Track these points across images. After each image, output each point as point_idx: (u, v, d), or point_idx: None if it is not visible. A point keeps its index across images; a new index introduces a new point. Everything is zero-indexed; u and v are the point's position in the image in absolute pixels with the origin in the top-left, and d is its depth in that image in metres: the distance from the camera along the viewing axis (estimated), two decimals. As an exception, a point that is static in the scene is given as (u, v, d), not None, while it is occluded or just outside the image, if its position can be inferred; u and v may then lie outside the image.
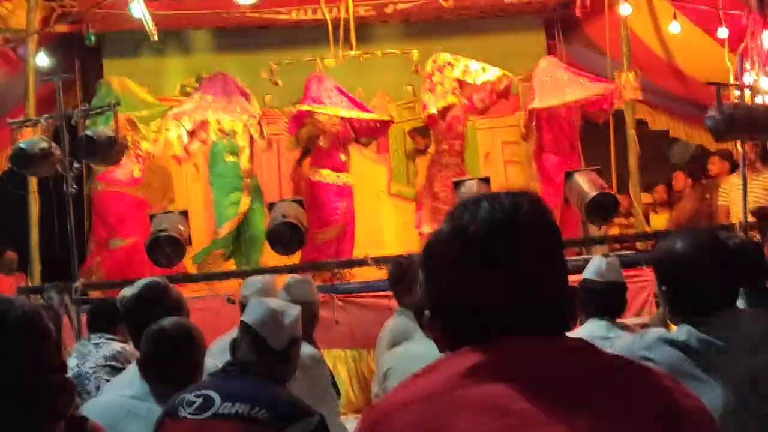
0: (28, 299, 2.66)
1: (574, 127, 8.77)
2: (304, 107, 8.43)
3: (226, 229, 8.39)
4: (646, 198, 9.93)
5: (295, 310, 3.15)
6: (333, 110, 8.44)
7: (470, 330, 1.41)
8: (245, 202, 8.49)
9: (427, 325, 1.50)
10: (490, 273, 1.39)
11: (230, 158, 8.51)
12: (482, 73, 8.73)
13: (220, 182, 8.58)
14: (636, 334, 2.85)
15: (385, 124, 8.90)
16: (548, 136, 8.80)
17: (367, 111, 8.89)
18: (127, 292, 3.89)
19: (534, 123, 8.84)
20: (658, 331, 2.66)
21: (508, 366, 1.34)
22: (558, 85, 8.66)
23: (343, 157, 8.63)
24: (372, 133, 9.00)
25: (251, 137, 8.60)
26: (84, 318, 5.06)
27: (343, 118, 8.57)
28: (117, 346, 4.38)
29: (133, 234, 8.54)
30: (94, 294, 6.95)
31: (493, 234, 1.40)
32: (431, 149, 9.29)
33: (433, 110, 8.72)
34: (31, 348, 1.55)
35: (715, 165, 9.14)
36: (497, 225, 1.40)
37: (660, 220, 9.96)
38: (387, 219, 10.36)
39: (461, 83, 8.73)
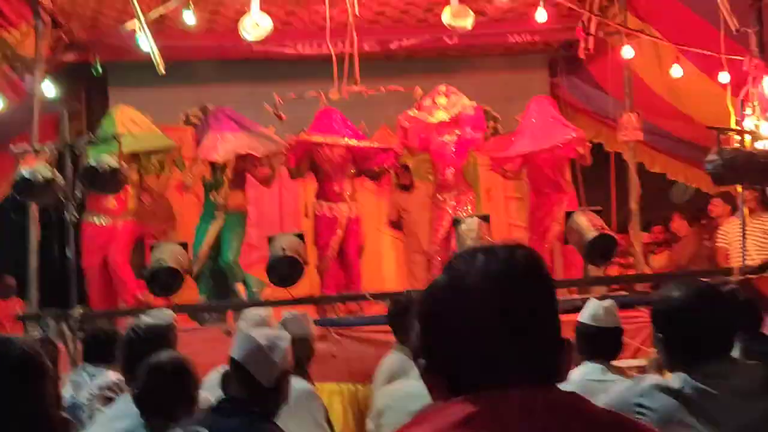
0: (26, 338, 2.66)
1: (555, 169, 8.73)
2: (304, 137, 8.46)
3: (197, 265, 8.37)
4: (646, 238, 9.95)
5: (284, 342, 3.14)
6: (333, 139, 8.47)
7: (463, 380, 1.42)
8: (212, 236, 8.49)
9: (422, 373, 1.51)
10: (484, 325, 1.41)
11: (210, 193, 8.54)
12: (452, 107, 8.70)
13: (202, 216, 8.64)
14: (631, 380, 2.86)
15: (390, 155, 8.89)
16: (530, 177, 8.87)
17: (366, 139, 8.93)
18: (147, 320, 3.91)
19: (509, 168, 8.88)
20: (652, 378, 2.67)
21: (498, 419, 1.35)
22: (533, 133, 8.66)
23: (337, 188, 8.63)
24: (373, 164, 9.00)
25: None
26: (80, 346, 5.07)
27: (346, 149, 8.60)
28: (112, 376, 4.38)
29: (89, 263, 8.50)
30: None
31: (488, 287, 1.42)
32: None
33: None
34: (30, 386, 1.56)
35: (717, 207, 9.17)
36: (493, 278, 1.43)
37: (659, 261, 9.97)
38: (387, 253, 10.38)
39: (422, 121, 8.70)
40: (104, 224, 8.60)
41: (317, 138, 8.49)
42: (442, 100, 8.71)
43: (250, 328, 3.93)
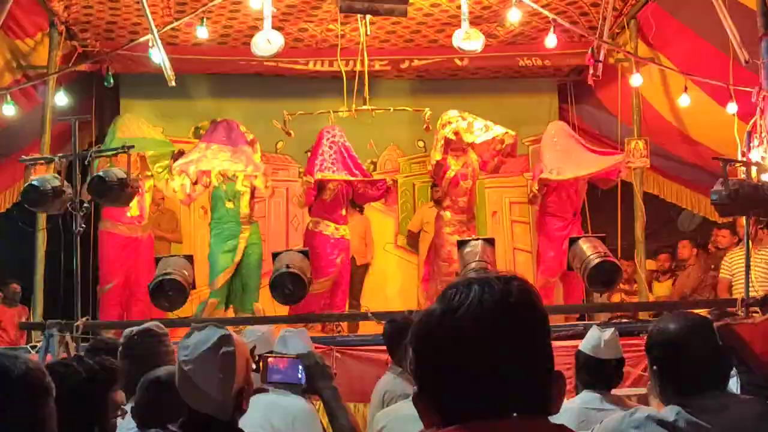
0: (29, 357, 2.62)
1: (579, 195, 8.79)
2: (312, 178, 8.45)
3: (220, 281, 8.33)
4: (651, 265, 9.93)
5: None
6: (339, 176, 8.45)
7: (455, 409, 1.44)
8: (241, 248, 8.45)
9: (414, 400, 1.53)
10: (477, 356, 1.43)
11: (229, 204, 8.50)
12: (485, 131, 8.71)
13: (219, 228, 8.52)
14: (626, 411, 2.86)
15: (388, 191, 8.90)
16: (553, 201, 8.81)
17: (368, 176, 8.93)
18: (132, 331, 3.91)
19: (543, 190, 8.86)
20: (647, 410, 2.68)
21: None
22: (570, 157, 8.65)
23: (344, 211, 8.66)
24: (370, 199, 9.02)
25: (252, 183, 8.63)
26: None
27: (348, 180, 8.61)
28: (114, 388, 4.40)
29: (114, 277, 8.54)
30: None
31: (482, 318, 1.44)
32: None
33: (429, 167, 8.82)
34: (32, 405, 1.58)
35: (725, 238, 9.17)
36: (487, 309, 1.44)
37: (663, 289, 9.95)
38: (392, 272, 10.40)
39: (459, 142, 8.71)
40: (126, 235, 8.62)
41: (330, 176, 8.46)
42: (478, 126, 8.75)
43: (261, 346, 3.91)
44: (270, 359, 3.18)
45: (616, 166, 8.65)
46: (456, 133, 8.59)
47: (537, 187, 8.66)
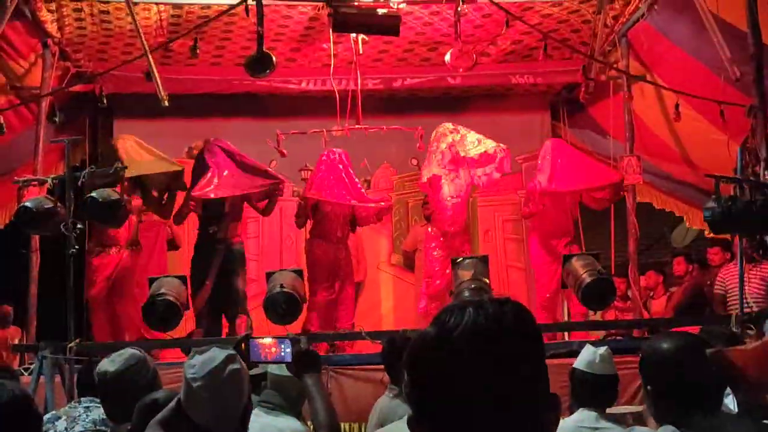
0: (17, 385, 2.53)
1: (569, 213, 8.79)
2: (310, 197, 8.48)
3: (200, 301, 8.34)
4: (643, 281, 9.94)
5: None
6: (337, 199, 8.48)
7: (450, 433, 1.44)
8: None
9: (409, 424, 1.52)
10: (471, 379, 1.42)
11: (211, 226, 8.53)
12: (476, 145, 8.73)
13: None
14: (623, 430, 2.86)
15: (383, 211, 8.92)
16: (544, 218, 8.86)
17: (367, 200, 8.94)
18: (109, 367, 3.76)
19: (533, 204, 8.89)
20: (641, 430, 2.67)
21: None
22: (569, 170, 8.70)
23: (340, 233, 8.66)
24: (371, 221, 9.04)
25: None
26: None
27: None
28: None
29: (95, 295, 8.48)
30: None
31: (476, 341, 1.43)
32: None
33: (424, 179, 8.83)
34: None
35: (717, 255, 9.19)
36: (481, 332, 1.44)
37: (658, 306, 9.94)
38: (386, 290, 10.39)
39: (454, 156, 8.73)
40: (110, 254, 8.58)
41: (325, 197, 8.49)
42: (471, 139, 8.75)
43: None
44: (258, 339, 3.18)
45: (615, 182, 8.66)
46: (450, 146, 8.62)
47: (530, 201, 8.74)
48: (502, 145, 8.77)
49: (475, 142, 8.73)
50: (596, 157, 10.60)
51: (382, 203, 8.95)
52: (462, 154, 8.68)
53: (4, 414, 1.57)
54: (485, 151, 8.71)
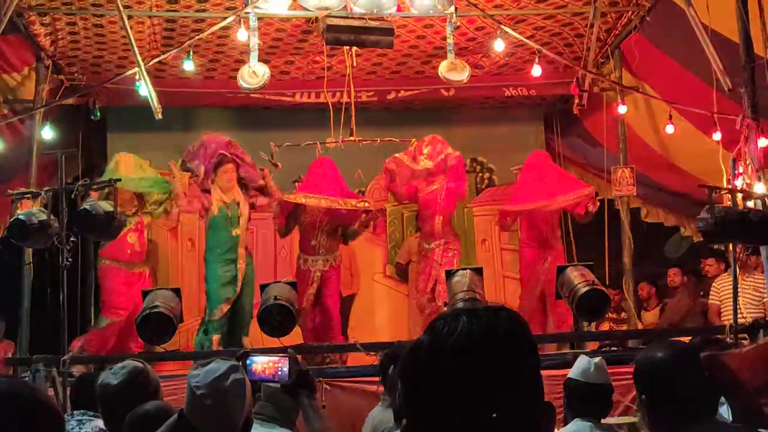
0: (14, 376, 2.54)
1: (549, 224, 8.75)
2: (287, 197, 8.46)
3: (222, 310, 8.23)
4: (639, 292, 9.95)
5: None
6: (315, 200, 8.41)
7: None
8: (240, 279, 8.38)
9: (402, 432, 1.52)
10: (465, 389, 1.42)
11: (231, 230, 8.46)
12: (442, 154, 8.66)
13: (215, 256, 8.45)
14: (617, 441, 2.86)
15: (372, 216, 8.84)
16: (525, 231, 8.88)
17: (355, 197, 8.89)
18: (111, 380, 3.75)
19: (509, 219, 8.94)
20: (638, 440, 2.67)
21: None
22: (536, 188, 8.68)
23: (313, 242, 8.62)
24: (357, 225, 8.94)
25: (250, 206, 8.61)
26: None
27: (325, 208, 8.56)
28: (100, 423, 4.34)
29: (119, 312, 8.46)
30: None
31: (470, 350, 1.43)
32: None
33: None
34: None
35: (712, 267, 9.20)
36: (475, 341, 1.43)
37: (652, 317, 9.95)
38: (380, 302, 10.37)
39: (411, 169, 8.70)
40: (127, 270, 8.58)
41: (299, 199, 8.45)
42: (426, 149, 8.70)
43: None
44: (255, 356, 3.21)
45: (582, 200, 8.61)
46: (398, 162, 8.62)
47: (498, 217, 8.90)
48: (454, 152, 8.67)
49: (432, 154, 8.68)
50: (589, 168, 10.65)
51: (366, 204, 8.76)
52: (422, 166, 8.64)
53: (23, 417, 1.55)
54: (443, 161, 8.61)
